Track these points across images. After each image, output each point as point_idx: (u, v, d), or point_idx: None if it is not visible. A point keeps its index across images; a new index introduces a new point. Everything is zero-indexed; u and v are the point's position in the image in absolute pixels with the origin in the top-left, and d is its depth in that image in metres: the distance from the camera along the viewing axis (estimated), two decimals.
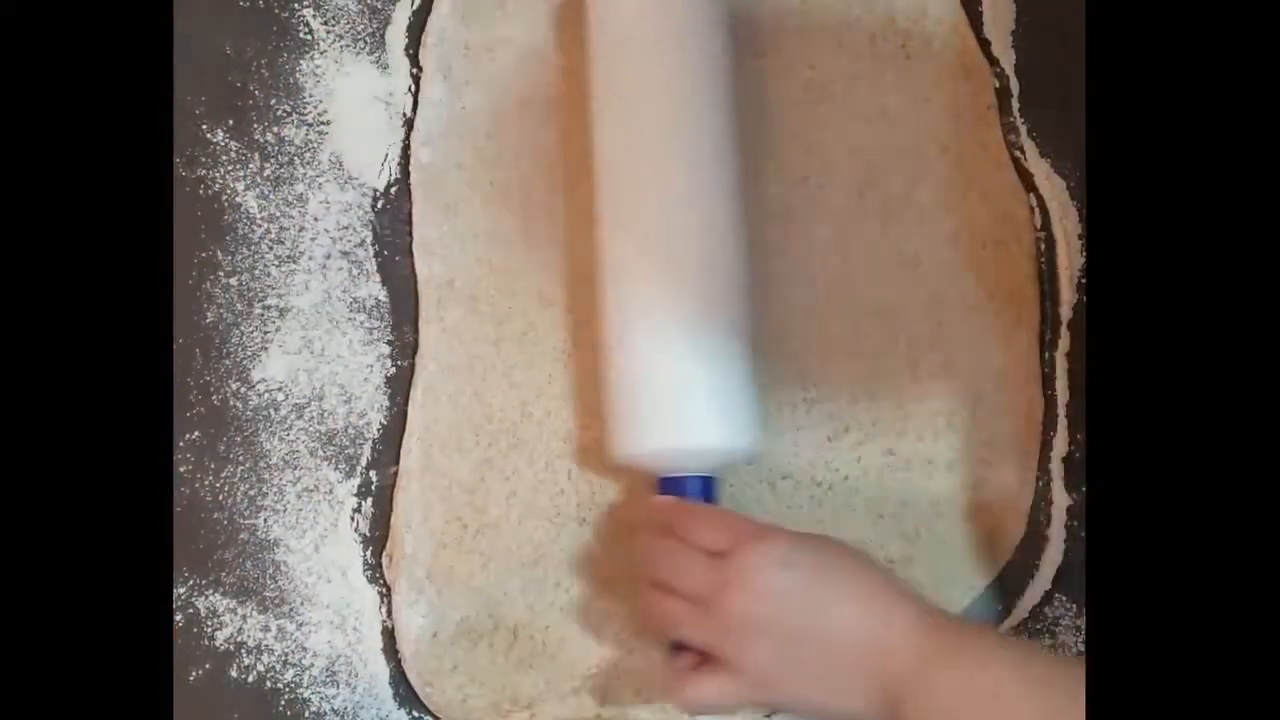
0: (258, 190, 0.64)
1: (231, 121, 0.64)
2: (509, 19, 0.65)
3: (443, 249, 0.63)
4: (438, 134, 0.64)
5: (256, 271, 0.63)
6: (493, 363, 0.62)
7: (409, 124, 0.65)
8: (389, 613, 0.61)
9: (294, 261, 0.63)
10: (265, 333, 0.63)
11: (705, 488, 0.57)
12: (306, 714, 0.60)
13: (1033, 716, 0.45)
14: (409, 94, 0.65)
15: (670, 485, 0.57)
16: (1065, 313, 0.64)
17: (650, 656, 0.60)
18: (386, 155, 0.65)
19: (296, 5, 0.65)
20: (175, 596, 0.60)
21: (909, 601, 0.50)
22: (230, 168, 0.64)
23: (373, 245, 0.64)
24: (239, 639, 0.60)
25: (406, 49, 0.65)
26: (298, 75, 0.65)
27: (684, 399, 0.56)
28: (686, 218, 0.57)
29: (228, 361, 0.62)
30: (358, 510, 0.62)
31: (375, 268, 0.63)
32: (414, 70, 0.65)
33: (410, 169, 0.64)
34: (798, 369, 0.62)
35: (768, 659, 0.50)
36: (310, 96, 0.65)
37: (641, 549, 0.55)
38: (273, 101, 0.64)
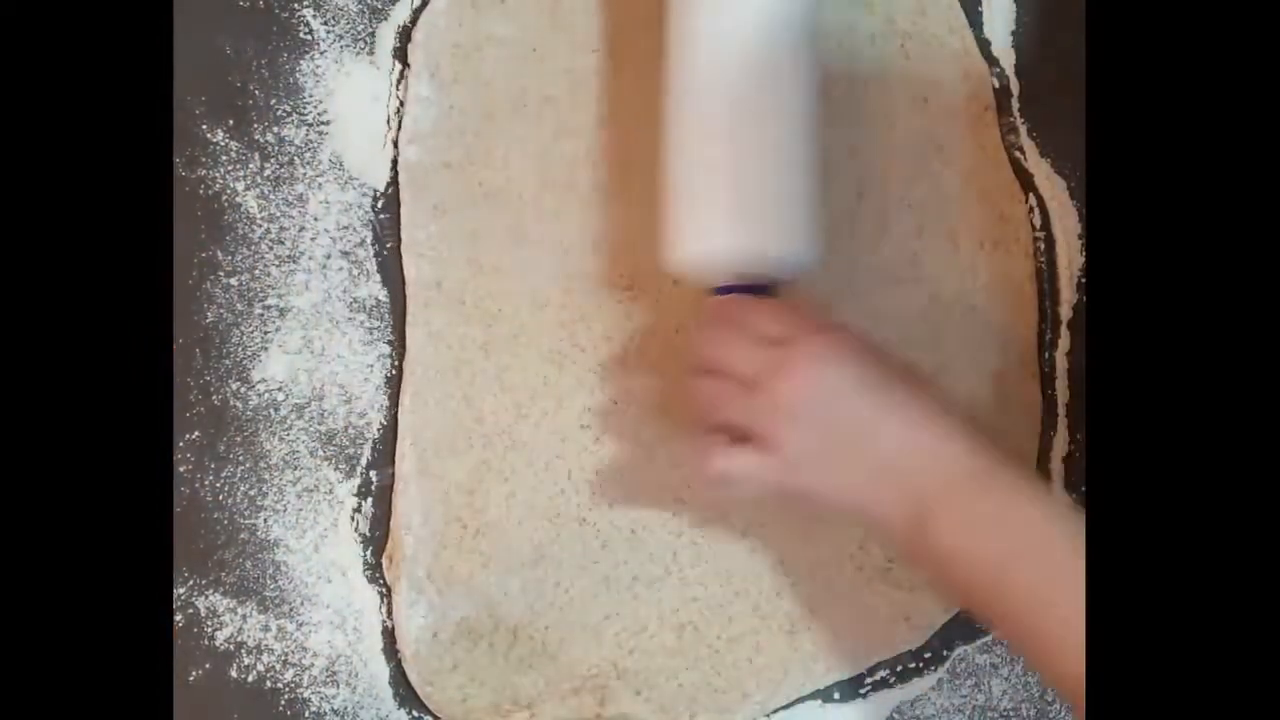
0: (258, 190, 0.64)
1: (231, 121, 0.64)
2: (506, 16, 0.65)
3: (431, 249, 0.63)
4: (425, 132, 0.64)
5: (256, 271, 0.63)
6: (482, 366, 0.62)
7: (399, 122, 0.65)
8: (389, 613, 0.61)
9: (294, 261, 0.63)
10: (265, 333, 0.63)
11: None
12: (306, 714, 0.60)
13: (1044, 563, 0.46)
14: (398, 92, 0.65)
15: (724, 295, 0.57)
16: (1065, 312, 0.64)
17: (650, 655, 0.61)
18: (386, 155, 0.65)
19: (296, 5, 0.65)
20: (175, 596, 0.60)
21: (960, 426, 0.50)
22: (230, 168, 0.64)
23: (373, 245, 0.64)
24: (239, 639, 0.60)
25: (395, 47, 0.65)
26: (298, 75, 0.65)
27: (740, 202, 0.55)
28: (766, 60, 0.56)
29: (228, 361, 0.62)
30: (358, 510, 0.62)
31: (375, 268, 0.63)
32: (404, 68, 0.65)
33: (398, 168, 0.64)
34: None
35: (808, 444, 0.50)
36: (310, 96, 0.65)
37: (698, 339, 0.54)
38: (273, 101, 0.64)
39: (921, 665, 0.61)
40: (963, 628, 0.61)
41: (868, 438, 0.50)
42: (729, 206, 0.55)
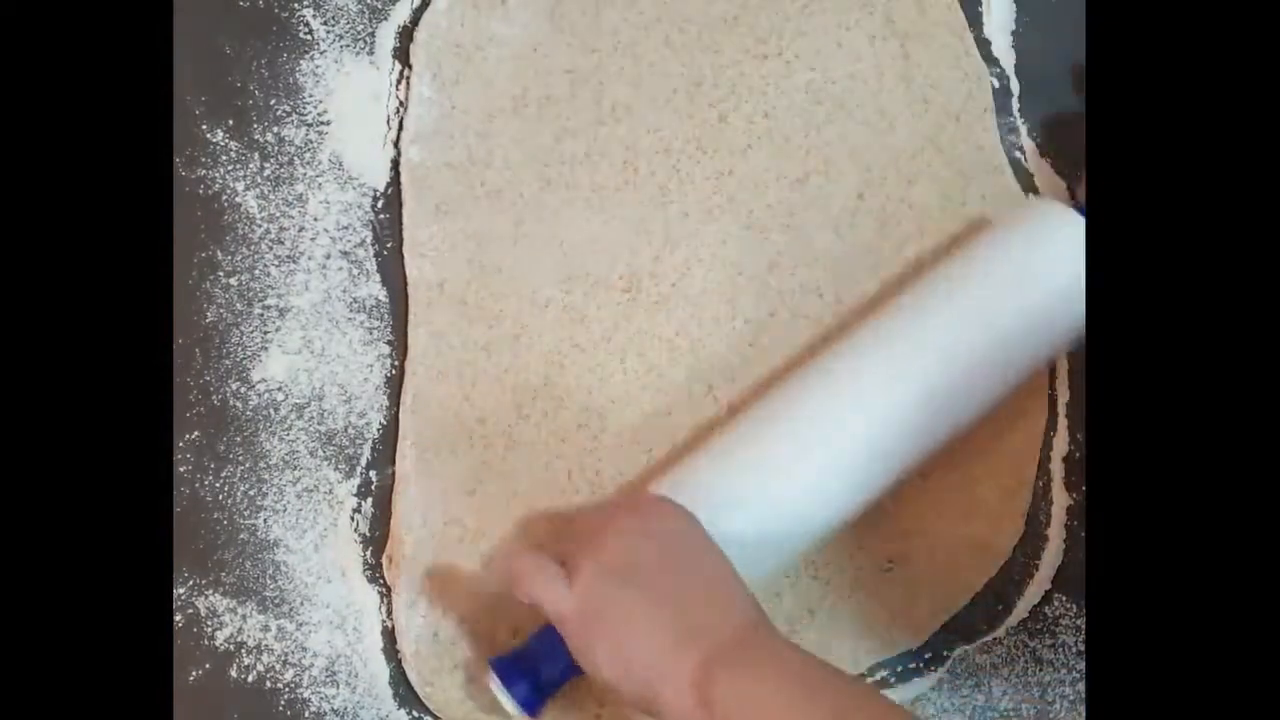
0: (258, 190, 0.64)
1: (231, 121, 0.64)
2: (507, 17, 0.65)
3: (433, 250, 0.63)
4: (428, 133, 0.64)
5: (256, 271, 0.63)
6: (484, 366, 0.62)
7: (400, 122, 0.65)
8: (389, 613, 0.61)
9: (294, 261, 0.63)
10: (265, 333, 0.63)
11: None
12: (306, 714, 0.60)
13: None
14: (399, 92, 0.65)
15: None
16: None
17: None
18: (386, 155, 0.65)
19: (296, 5, 0.65)
20: (175, 596, 0.60)
21: (748, 598, 0.51)
22: (230, 168, 0.64)
23: (373, 245, 0.64)
24: (239, 639, 0.60)
25: (395, 47, 0.65)
26: (298, 75, 0.65)
27: (724, 509, 0.54)
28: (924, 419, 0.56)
29: (228, 361, 0.62)
30: (358, 510, 0.62)
31: (375, 268, 0.64)
32: (405, 69, 0.65)
33: (400, 168, 0.64)
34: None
35: (606, 582, 0.50)
36: (310, 96, 0.65)
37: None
38: (273, 101, 0.64)
39: (921, 665, 0.61)
40: (963, 628, 0.61)
41: (670, 589, 0.50)
42: (726, 501, 0.54)
